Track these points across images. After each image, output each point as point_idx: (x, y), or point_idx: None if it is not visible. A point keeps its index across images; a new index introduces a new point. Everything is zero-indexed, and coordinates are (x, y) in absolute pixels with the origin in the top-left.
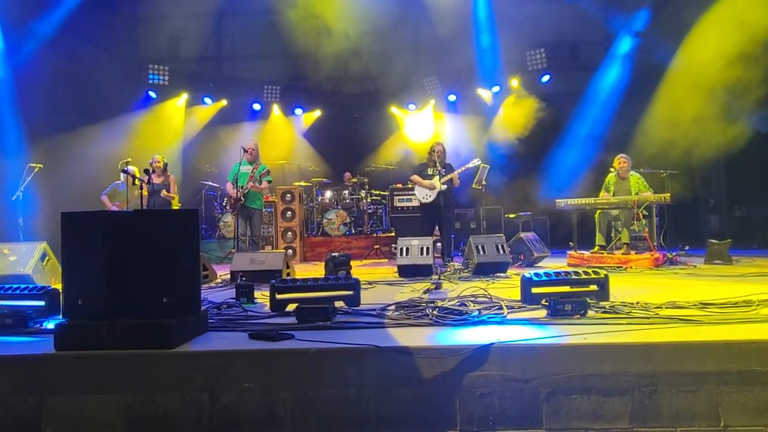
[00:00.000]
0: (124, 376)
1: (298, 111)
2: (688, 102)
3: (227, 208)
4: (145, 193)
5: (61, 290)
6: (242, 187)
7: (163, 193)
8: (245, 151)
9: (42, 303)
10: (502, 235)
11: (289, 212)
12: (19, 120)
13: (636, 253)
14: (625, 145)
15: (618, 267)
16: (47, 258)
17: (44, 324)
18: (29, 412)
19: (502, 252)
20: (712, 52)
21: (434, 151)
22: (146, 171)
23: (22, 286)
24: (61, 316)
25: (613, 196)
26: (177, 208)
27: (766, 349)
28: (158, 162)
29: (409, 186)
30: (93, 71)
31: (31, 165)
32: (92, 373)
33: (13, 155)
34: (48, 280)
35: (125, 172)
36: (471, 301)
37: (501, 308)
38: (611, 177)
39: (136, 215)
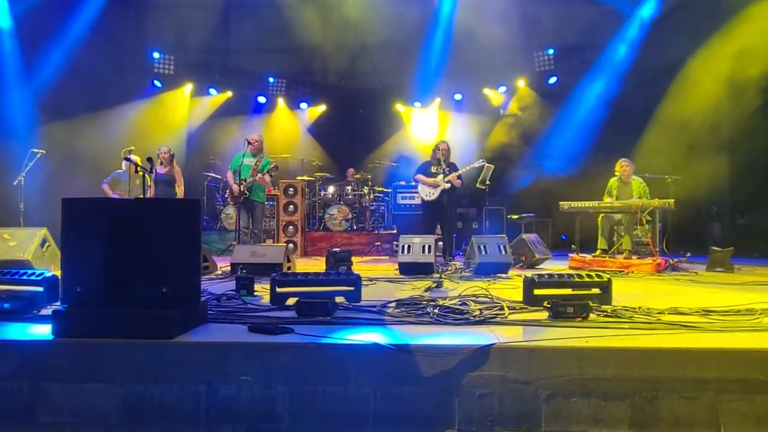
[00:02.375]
0: (121, 365)
1: (303, 105)
2: (694, 108)
3: (228, 199)
4: (150, 182)
5: (60, 277)
6: (245, 180)
7: (146, 176)
8: (249, 143)
9: (41, 289)
10: (504, 235)
11: (291, 206)
12: (23, 105)
13: (638, 258)
14: (629, 150)
15: (620, 271)
16: (47, 244)
17: (42, 310)
18: (25, 399)
19: (503, 253)
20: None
21: (439, 149)
22: (149, 159)
23: (21, 271)
24: (59, 303)
25: (616, 200)
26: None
27: None
28: (165, 153)
29: (412, 184)
30: (98, 58)
31: (34, 150)
32: (89, 361)
33: (15, 140)
34: (47, 267)
35: (127, 160)
36: (472, 300)
37: (502, 309)
38: (614, 181)
39: (137, 204)
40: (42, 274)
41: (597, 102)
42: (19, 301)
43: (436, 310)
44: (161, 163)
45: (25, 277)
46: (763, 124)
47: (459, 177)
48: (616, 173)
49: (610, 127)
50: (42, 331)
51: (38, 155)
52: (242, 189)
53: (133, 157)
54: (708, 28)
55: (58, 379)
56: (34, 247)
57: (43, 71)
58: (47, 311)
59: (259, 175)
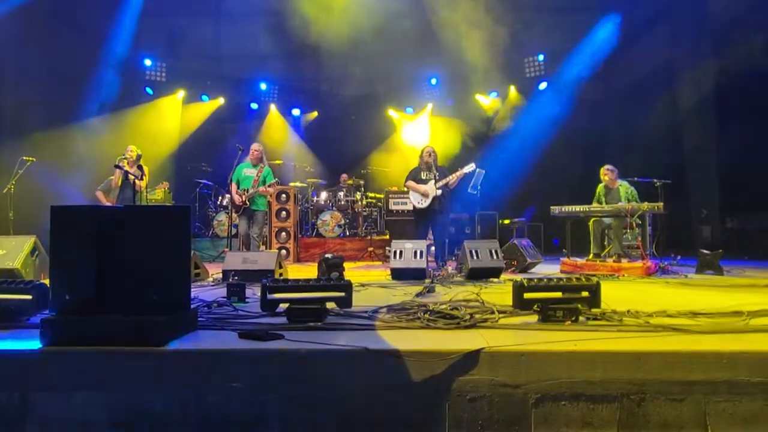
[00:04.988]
0: (110, 373)
1: (296, 111)
2: (681, 113)
3: (230, 209)
4: (143, 183)
5: (49, 285)
6: (246, 190)
7: (137, 182)
8: (240, 149)
9: (29, 297)
10: (496, 240)
11: (283, 212)
12: (12, 113)
13: (628, 262)
14: (619, 153)
15: (610, 275)
16: (37, 252)
17: (31, 319)
18: (13, 409)
19: (495, 257)
20: None
21: (428, 154)
22: (117, 166)
23: (9, 280)
24: (48, 311)
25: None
26: (152, 199)
27: (754, 359)
28: (131, 152)
29: (405, 190)
30: (90, 65)
31: (24, 158)
32: (78, 369)
33: (4, 148)
34: (38, 275)
35: (118, 167)
36: (463, 305)
37: (493, 313)
38: (601, 187)
39: (126, 211)
40: (31, 282)
41: (581, 108)
42: (7, 310)
43: (426, 315)
44: (127, 163)
45: (13, 286)
46: (750, 128)
47: (446, 184)
48: (602, 179)
49: (596, 133)
50: (30, 339)
51: (28, 163)
52: (244, 200)
53: (122, 163)
54: (692, 36)
55: (46, 388)
56: (23, 255)
57: (33, 77)
58: (36, 320)
59: (262, 187)
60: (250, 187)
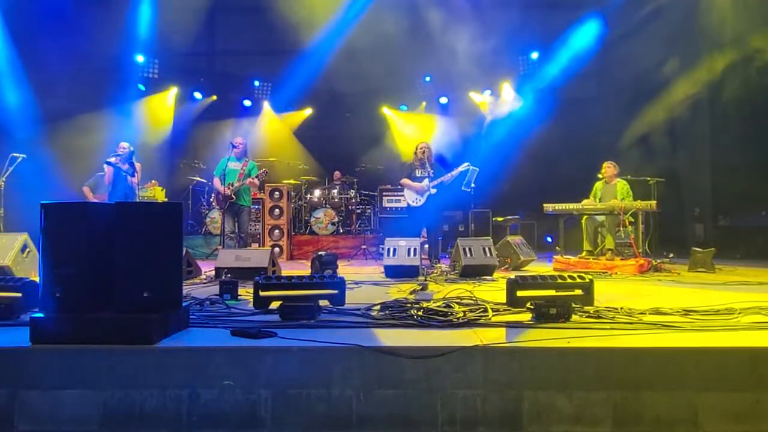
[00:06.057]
0: (101, 371)
1: (290, 108)
2: (674, 113)
3: (214, 204)
4: (136, 180)
5: (39, 282)
6: (232, 184)
7: (129, 178)
8: (233, 146)
9: (19, 295)
10: (489, 238)
11: (277, 210)
12: (2, 109)
13: (621, 260)
14: (612, 152)
15: (603, 272)
16: (28, 250)
17: (21, 316)
18: (2, 407)
19: (489, 255)
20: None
21: (422, 151)
22: (108, 162)
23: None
24: (38, 309)
25: (599, 202)
26: (144, 196)
27: (746, 356)
28: (124, 149)
29: (398, 187)
30: (80, 61)
31: (14, 155)
32: (68, 367)
33: None
34: (28, 273)
35: (108, 163)
36: (456, 302)
37: (486, 310)
38: (599, 184)
39: (117, 207)
40: (20, 280)
41: (574, 107)
42: None
43: (420, 313)
44: (120, 160)
45: (3, 283)
46: (743, 127)
47: (441, 183)
48: (601, 175)
49: (589, 132)
50: (20, 337)
51: (19, 159)
52: (230, 194)
53: (113, 159)
54: (683, 35)
55: (36, 386)
56: (14, 253)
57: (22, 73)
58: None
59: (249, 179)
60: (236, 180)
